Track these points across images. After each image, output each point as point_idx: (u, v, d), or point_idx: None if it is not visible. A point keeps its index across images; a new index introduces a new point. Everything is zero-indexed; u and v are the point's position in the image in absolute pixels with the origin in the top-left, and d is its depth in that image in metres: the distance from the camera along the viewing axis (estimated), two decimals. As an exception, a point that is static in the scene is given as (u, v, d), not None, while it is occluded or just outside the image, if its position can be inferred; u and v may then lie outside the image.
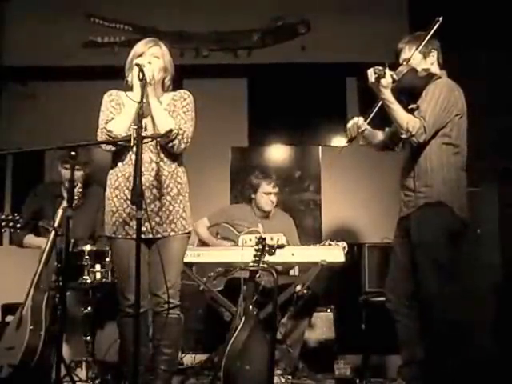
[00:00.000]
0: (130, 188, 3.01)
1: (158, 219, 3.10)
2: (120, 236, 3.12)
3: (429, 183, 3.25)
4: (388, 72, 3.18)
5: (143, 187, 2.89)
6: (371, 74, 3.18)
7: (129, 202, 3.04)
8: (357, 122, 3.49)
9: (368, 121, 3.48)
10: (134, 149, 3.02)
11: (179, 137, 3.06)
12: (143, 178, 2.96)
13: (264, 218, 4.63)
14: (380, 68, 3.17)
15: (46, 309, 3.59)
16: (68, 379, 3.38)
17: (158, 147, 3.13)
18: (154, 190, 3.09)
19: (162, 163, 3.12)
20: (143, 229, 3.00)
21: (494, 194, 4.38)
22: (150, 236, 3.08)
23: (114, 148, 3.09)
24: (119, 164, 3.14)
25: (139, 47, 3.19)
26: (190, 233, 3.23)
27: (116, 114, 3.13)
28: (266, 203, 4.59)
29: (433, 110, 3.19)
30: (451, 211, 3.23)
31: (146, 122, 3.09)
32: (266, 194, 4.58)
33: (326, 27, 5.72)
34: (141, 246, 2.94)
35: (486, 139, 4.77)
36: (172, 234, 3.13)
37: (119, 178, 3.13)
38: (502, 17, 5.10)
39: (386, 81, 3.18)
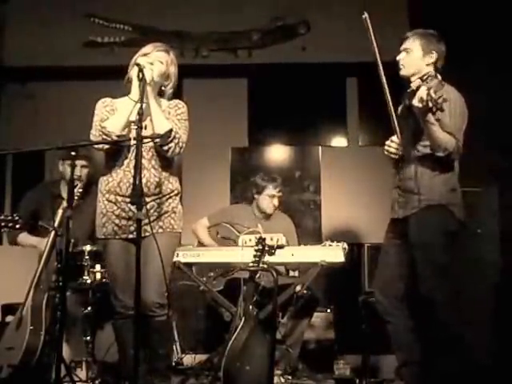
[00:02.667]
0: (120, 192, 3.04)
1: (146, 220, 3.07)
2: (110, 237, 3.13)
3: (431, 185, 3.25)
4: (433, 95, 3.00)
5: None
6: (427, 100, 2.95)
7: (118, 205, 3.07)
8: (395, 141, 3.35)
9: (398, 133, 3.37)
10: (129, 154, 3.03)
11: (175, 140, 3.05)
12: None
13: (264, 219, 4.63)
14: (432, 94, 2.95)
15: (46, 309, 3.59)
16: (68, 379, 3.37)
17: (151, 154, 3.11)
18: (145, 197, 3.06)
19: (153, 170, 3.11)
20: (131, 228, 3.02)
21: (494, 194, 4.38)
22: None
23: (106, 146, 3.06)
24: (112, 169, 3.13)
25: (147, 48, 3.17)
26: (178, 234, 3.20)
27: (110, 116, 3.12)
28: (268, 206, 4.59)
29: (455, 125, 3.20)
30: (452, 213, 3.24)
31: (146, 123, 3.08)
32: (270, 197, 4.58)
33: (325, 27, 5.72)
34: (128, 246, 2.95)
35: (485, 139, 4.77)
36: (160, 231, 3.11)
37: (110, 182, 3.13)
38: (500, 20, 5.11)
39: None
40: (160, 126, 3.04)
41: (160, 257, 2.94)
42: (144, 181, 3.03)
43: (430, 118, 3.10)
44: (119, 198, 3.08)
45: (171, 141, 3.03)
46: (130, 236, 3.06)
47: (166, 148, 3.05)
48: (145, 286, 2.95)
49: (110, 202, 3.12)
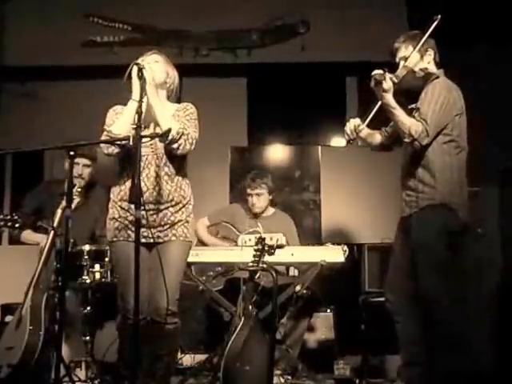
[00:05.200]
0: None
1: (160, 228, 3.09)
2: (121, 239, 3.12)
3: (433, 184, 3.24)
4: (388, 76, 3.18)
5: (146, 200, 2.94)
6: (372, 80, 3.18)
7: (131, 211, 3.03)
8: (354, 123, 3.48)
9: (366, 122, 3.46)
10: (141, 162, 3.01)
11: (184, 137, 3.03)
12: (147, 193, 3.00)
13: (263, 219, 4.62)
14: (380, 73, 3.16)
15: (46, 309, 3.58)
16: (67, 379, 3.36)
17: (164, 161, 3.11)
18: (158, 204, 3.08)
19: (166, 177, 3.10)
20: (144, 234, 3.01)
21: (495, 194, 4.37)
22: (151, 241, 3.07)
23: (116, 150, 3.05)
24: (124, 178, 3.13)
25: (141, 56, 3.19)
26: (190, 242, 3.20)
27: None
28: (251, 204, 4.56)
29: (433, 112, 3.19)
30: (454, 213, 3.22)
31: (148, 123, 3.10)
32: (250, 196, 4.56)
33: (325, 27, 5.73)
34: (141, 251, 2.94)
35: (486, 139, 4.77)
36: (173, 238, 3.11)
37: (122, 191, 3.13)
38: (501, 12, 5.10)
39: (387, 85, 3.17)
40: (165, 122, 3.03)
41: (160, 265, 2.95)
42: (157, 188, 3.06)
43: (390, 101, 3.16)
44: (132, 205, 3.06)
45: (179, 138, 3.02)
46: (143, 240, 3.01)
47: (175, 146, 3.03)
48: (159, 292, 3.00)
49: (122, 208, 3.12)
